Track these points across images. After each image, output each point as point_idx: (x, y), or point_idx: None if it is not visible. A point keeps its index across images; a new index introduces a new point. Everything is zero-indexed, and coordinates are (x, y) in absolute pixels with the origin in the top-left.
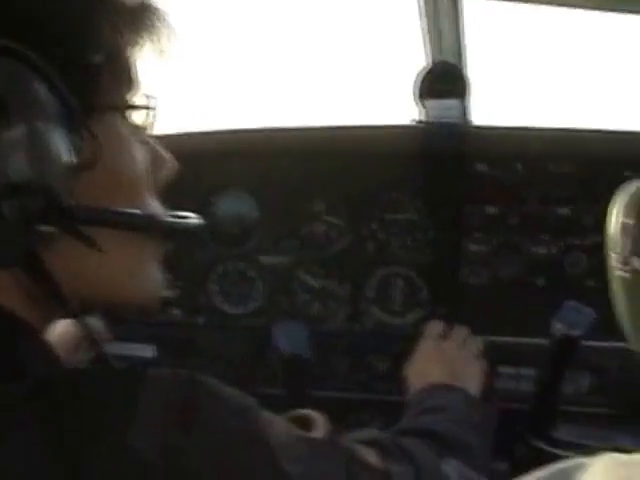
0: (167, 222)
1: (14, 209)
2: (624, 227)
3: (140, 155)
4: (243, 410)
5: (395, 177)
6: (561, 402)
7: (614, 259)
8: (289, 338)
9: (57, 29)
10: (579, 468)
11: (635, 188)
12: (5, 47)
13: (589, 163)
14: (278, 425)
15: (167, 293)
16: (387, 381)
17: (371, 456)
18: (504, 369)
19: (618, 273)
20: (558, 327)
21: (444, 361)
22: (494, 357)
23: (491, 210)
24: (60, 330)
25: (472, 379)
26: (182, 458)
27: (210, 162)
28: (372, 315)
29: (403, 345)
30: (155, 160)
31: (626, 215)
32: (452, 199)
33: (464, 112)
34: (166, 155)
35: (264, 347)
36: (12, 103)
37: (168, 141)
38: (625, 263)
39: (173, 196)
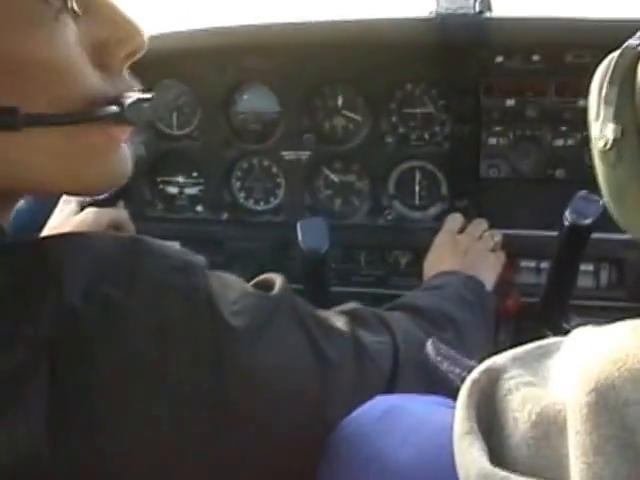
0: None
1: None
2: (606, 93)
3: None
4: (188, 266)
5: (412, 70)
6: (573, 294)
7: (594, 129)
8: (308, 233)
9: None
10: (556, 345)
11: (617, 53)
12: None
13: (608, 53)
14: (229, 283)
15: (191, 190)
16: (408, 276)
17: (339, 321)
18: (524, 262)
19: (597, 144)
20: (567, 217)
21: (458, 252)
22: (514, 250)
23: (509, 103)
24: (84, 217)
25: (486, 270)
26: (113, 310)
27: (230, 58)
28: (393, 209)
29: (424, 239)
30: (107, 34)
31: (609, 80)
32: (470, 92)
33: (482, 3)
34: (128, 26)
35: (287, 242)
36: None
37: (184, 37)
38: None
39: (194, 94)
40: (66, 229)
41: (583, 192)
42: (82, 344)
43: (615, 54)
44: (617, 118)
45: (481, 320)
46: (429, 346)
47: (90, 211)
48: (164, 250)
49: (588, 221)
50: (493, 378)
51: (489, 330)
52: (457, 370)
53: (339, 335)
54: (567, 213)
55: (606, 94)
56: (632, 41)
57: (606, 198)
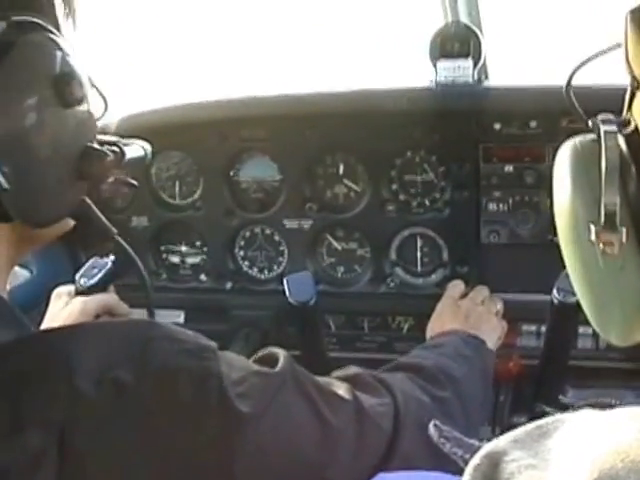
0: None
1: None
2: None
3: None
4: (198, 350)
5: (412, 138)
6: (574, 355)
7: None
8: (295, 287)
9: None
10: (555, 424)
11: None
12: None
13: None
14: (234, 364)
15: (194, 259)
16: (411, 341)
17: (340, 389)
18: (525, 326)
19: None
20: (555, 295)
21: (460, 316)
22: (515, 314)
23: (508, 169)
24: (73, 307)
25: (488, 331)
26: (125, 394)
27: (231, 129)
28: (395, 276)
29: (426, 305)
30: None
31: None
32: (469, 159)
33: (479, 72)
34: None
35: (290, 311)
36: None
37: (185, 110)
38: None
39: (196, 164)
40: (56, 324)
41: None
42: (95, 428)
43: (581, 141)
44: (622, 220)
45: (480, 376)
46: (432, 428)
47: (77, 300)
48: (175, 334)
49: (575, 299)
50: (494, 462)
51: (488, 387)
52: (460, 452)
53: (340, 401)
54: (554, 291)
55: (605, 194)
56: (606, 127)
57: (589, 301)
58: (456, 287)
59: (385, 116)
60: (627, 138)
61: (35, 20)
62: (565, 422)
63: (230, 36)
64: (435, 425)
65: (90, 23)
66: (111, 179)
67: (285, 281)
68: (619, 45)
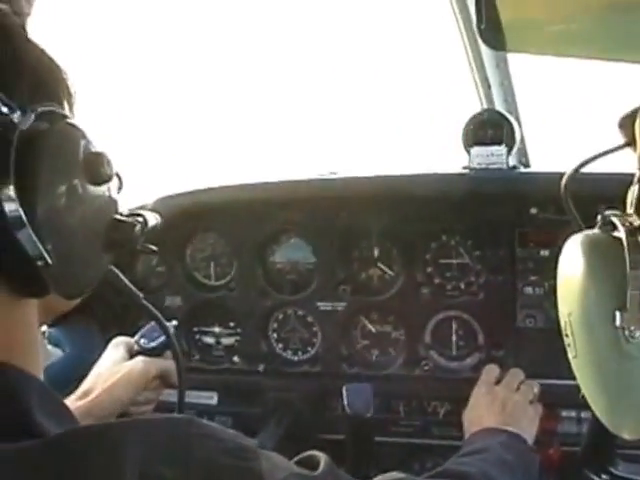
0: None
1: None
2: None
3: None
4: (239, 449)
5: (447, 222)
6: (617, 443)
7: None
8: (354, 398)
9: None
10: None
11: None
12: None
13: None
14: (278, 464)
15: (228, 340)
16: (448, 425)
17: None
18: (565, 412)
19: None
20: None
21: (497, 406)
22: (554, 400)
23: (543, 253)
24: (134, 364)
25: (526, 423)
26: None
27: (266, 211)
28: (430, 359)
29: (462, 389)
30: None
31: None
32: (504, 243)
33: (518, 158)
34: None
35: (324, 393)
36: None
37: (220, 193)
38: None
39: (231, 246)
40: (115, 376)
41: None
42: None
43: (597, 236)
44: None
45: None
46: None
47: (140, 360)
48: (217, 433)
49: None
50: None
51: None
52: None
53: None
54: None
55: (631, 284)
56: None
57: (603, 390)
58: (491, 372)
59: (420, 200)
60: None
61: (57, 110)
62: None
63: (267, 119)
64: None
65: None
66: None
67: (344, 390)
68: (629, 144)
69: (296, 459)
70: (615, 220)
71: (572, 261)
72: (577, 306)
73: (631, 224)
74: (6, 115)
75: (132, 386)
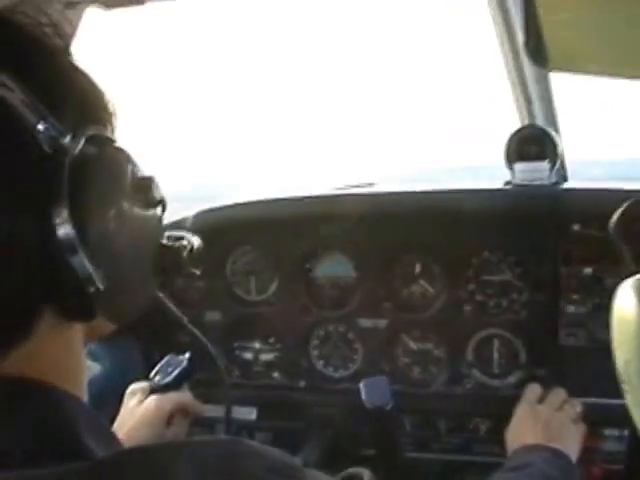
0: None
1: None
2: None
3: None
4: (285, 468)
5: (489, 239)
6: None
7: None
8: (371, 392)
9: None
10: None
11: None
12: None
13: None
14: None
15: (267, 356)
16: (489, 443)
17: None
18: (608, 431)
19: None
20: None
21: (540, 424)
22: (597, 419)
23: (587, 271)
24: (147, 406)
25: (570, 441)
26: None
27: (307, 225)
28: (472, 377)
29: (504, 407)
30: None
31: None
32: (547, 260)
33: (557, 173)
34: None
35: (365, 410)
36: None
37: (261, 207)
38: None
39: (271, 260)
40: (132, 420)
41: None
42: None
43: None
44: None
45: None
46: None
47: (152, 398)
48: (261, 451)
49: None
50: None
51: None
52: None
53: None
54: None
55: None
56: None
57: None
58: (534, 390)
59: (462, 216)
60: None
61: (104, 134)
62: None
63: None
64: None
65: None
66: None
67: (361, 385)
68: None
69: (340, 476)
70: None
71: (627, 307)
72: (635, 355)
73: None
74: (57, 139)
75: (150, 426)
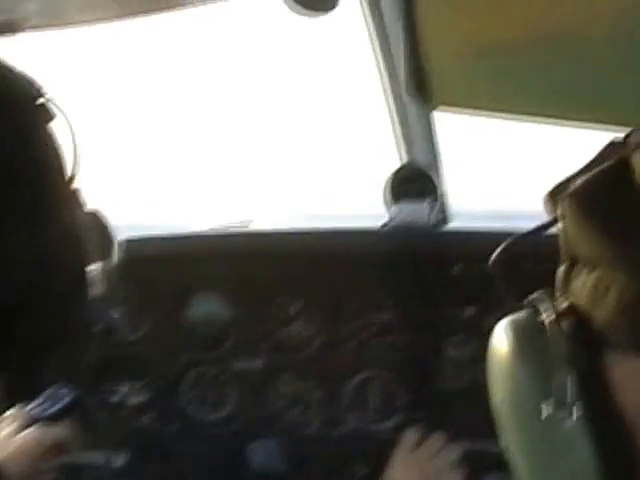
0: None
1: None
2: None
3: None
4: None
5: (368, 279)
6: None
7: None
8: (261, 456)
9: None
10: None
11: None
12: None
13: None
14: None
15: (137, 398)
16: None
17: None
18: (488, 478)
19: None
20: None
21: (416, 472)
22: (476, 465)
23: (468, 312)
24: (26, 437)
25: None
26: None
27: (182, 265)
28: (349, 421)
29: (381, 452)
30: None
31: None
32: (428, 301)
33: (438, 214)
34: None
35: (239, 454)
36: None
37: (139, 244)
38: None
39: (147, 298)
40: (7, 450)
41: None
42: None
43: (522, 323)
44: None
45: None
46: None
47: (33, 430)
48: None
49: None
50: None
51: None
52: None
53: None
54: None
55: (556, 374)
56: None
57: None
58: (410, 438)
59: (338, 257)
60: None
61: None
62: None
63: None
64: None
65: None
66: None
67: (250, 450)
68: (557, 222)
69: None
70: (540, 306)
71: (500, 347)
72: (506, 393)
73: (557, 309)
74: None
75: (27, 458)
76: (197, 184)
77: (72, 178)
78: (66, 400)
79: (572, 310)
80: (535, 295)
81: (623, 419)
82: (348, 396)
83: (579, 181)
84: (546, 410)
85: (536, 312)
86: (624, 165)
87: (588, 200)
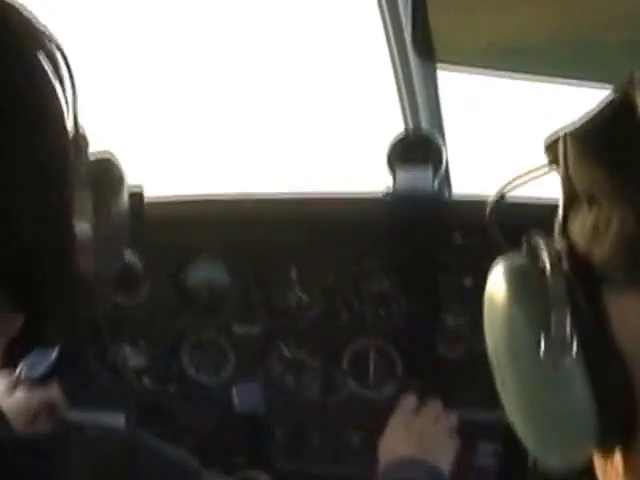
0: None
1: None
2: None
3: None
4: (184, 470)
5: (368, 246)
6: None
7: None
8: (244, 398)
9: None
10: None
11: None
12: None
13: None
14: None
15: (137, 361)
16: (361, 455)
17: None
18: (482, 445)
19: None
20: None
21: (414, 436)
22: (472, 433)
23: (468, 281)
24: (14, 400)
25: (443, 454)
26: None
27: (183, 230)
28: (346, 387)
29: (378, 418)
30: None
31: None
32: (427, 270)
33: (440, 181)
34: None
35: (237, 418)
36: None
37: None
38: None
39: (147, 263)
40: None
41: None
42: None
43: (519, 263)
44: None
45: None
46: None
47: (19, 394)
48: (161, 449)
49: None
50: None
51: None
52: None
53: None
54: None
55: (554, 311)
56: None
57: (531, 420)
58: (409, 402)
59: (340, 222)
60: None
61: None
62: None
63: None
64: None
65: None
66: None
67: (234, 390)
68: (553, 167)
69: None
70: (539, 245)
71: (496, 289)
72: (502, 336)
73: (555, 249)
74: None
75: (17, 419)
76: (198, 149)
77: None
78: (53, 361)
79: (571, 250)
80: (533, 237)
81: (622, 356)
82: (346, 363)
83: (580, 121)
84: (544, 348)
85: (534, 253)
86: (626, 103)
87: (589, 135)
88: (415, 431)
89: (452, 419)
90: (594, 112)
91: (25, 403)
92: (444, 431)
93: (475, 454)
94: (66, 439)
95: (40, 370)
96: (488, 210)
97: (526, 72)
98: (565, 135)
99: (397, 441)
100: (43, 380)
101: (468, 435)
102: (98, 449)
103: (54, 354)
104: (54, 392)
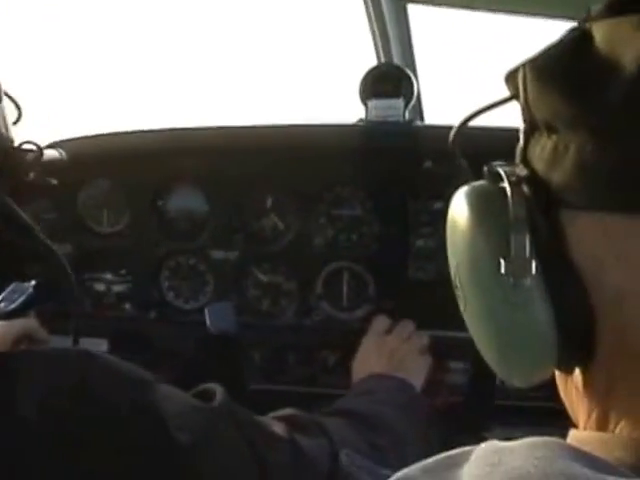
0: None
1: None
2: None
3: None
4: (137, 382)
5: (341, 173)
6: (499, 395)
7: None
8: (216, 317)
9: None
10: (464, 455)
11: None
12: None
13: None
14: (174, 397)
15: (119, 288)
16: (336, 375)
17: (278, 427)
18: (453, 364)
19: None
20: None
21: (386, 354)
22: (443, 352)
23: (437, 206)
24: None
25: (415, 372)
26: (67, 423)
27: (160, 158)
28: (321, 310)
29: (351, 339)
30: None
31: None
32: (398, 195)
33: (413, 113)
34: None
35: (213, 342)
36: None
37: (119, 139)
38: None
39: (124, 193)
40: None
41: None
42: (38, 456)
43: (482, 187)
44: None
45: (413, 421)
46: (343, 457)
47: None
48: (114, 365)
49: None
50: None
51: (421, 429)
52: None
53: (277, 440)
54: None
55: (514, 232)
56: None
57: (494, 339)
58: (381, 322)
59: (314, 151)
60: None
61: None
62: (472, 452)
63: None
64: (347, 453)
65: None
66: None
67: (205, 310)
68: (514, 97)
69: (192, 392)
70: (500, 170)
71: (459, 212)
72: (464, 257)
73: (516, 174)
74: None
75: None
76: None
77: None
78: (28, 293)
79: (531, 175)
80: (494, 163)
81: (579, 276)
82: (320, 286)
83: (539, 52)
84: (504, 268)
85: (495, 179)
86: (583, 33)
87: (547, 64)
88: (386, 350)
89: (423, 338)
90: (552, 44)
91: (2, 333)
92: (415, 349)
93: (446, 372)
94: (21, 357)
95: (17, 303)
96: (451, 137)
97: (495, 8)
98: (524, 65)
99: (369, 360)
100: (22, 311)
101: (439, 354)
102: (51, 365)
103: (30, 287)
104: (31, 322)
